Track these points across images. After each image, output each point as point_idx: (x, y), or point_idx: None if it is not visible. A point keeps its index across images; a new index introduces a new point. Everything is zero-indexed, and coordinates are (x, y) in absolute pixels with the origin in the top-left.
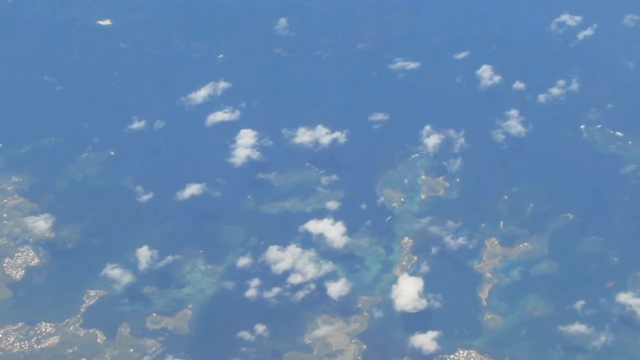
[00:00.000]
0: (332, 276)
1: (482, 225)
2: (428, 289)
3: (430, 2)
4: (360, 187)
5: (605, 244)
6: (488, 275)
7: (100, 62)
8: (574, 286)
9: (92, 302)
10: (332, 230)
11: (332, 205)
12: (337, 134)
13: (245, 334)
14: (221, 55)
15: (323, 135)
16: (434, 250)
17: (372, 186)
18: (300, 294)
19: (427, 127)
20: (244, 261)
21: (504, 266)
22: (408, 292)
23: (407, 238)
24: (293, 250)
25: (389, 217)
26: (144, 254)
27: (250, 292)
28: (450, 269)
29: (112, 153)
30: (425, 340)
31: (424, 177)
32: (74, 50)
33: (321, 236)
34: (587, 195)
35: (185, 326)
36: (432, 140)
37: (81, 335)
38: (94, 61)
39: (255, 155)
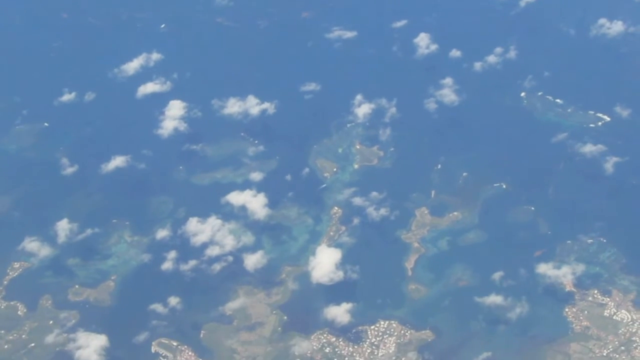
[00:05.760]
0: (251, 248)
1: (414, 194)
2: (347, 261)
3: None
4: (292, 157)
5: (537, 213)
6: (415, 245)
7: (41, 33)
8: (500, 256)
9: (16, 274)
10: (254, 202)
11: (256, 176)
12: (266, 105)
13: (158, 307)
14: (163, 25)
15: (253, 105)
16: (356, 221)
17: (305, 156)
18: (217, 267)
19: (359, 97)
20: (163, 233)
21: (432, 236)
22: (325, 264)
23: (336, 208)
24: (213, 222)
25: (323, 185)
26: (63, 227)
27: (167, 265)
28: (375, 240)
29: (45, 125)
30: (339, 312)
31: (358, 147)
32: (15, 20)
33: (243, 208)
34: (522, 163)
35: (107, 298)
36: (362, 110)
37: (2, 307)
38: (34, 32)
39: (183, 126)
